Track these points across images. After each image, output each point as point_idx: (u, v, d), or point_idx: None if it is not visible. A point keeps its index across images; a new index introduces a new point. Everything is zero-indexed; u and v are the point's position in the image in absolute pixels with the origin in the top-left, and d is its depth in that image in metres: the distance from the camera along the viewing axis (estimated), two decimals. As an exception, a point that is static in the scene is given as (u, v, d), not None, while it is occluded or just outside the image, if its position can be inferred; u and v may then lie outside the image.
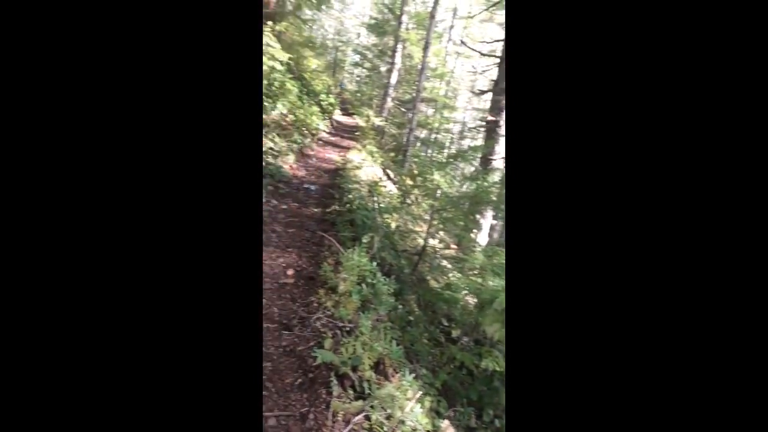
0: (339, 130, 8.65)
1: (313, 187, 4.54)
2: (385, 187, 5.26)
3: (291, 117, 5.83)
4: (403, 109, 12.91)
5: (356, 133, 8.56)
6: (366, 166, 6.08)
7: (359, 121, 10.90)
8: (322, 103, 8.52)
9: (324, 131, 7.60)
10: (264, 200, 3.75)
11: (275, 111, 5.66)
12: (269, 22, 6.96)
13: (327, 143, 7.23)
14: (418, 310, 3.56)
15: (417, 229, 5.03)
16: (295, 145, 5.44)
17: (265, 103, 5.52)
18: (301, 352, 2.02)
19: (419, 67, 11.18)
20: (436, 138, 13.35)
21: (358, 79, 22.86)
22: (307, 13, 13.09)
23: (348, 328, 2.27)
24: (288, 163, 4.99)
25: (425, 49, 9.57)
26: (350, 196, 3.93)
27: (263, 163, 4.30)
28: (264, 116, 5.43)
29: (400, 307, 3.06)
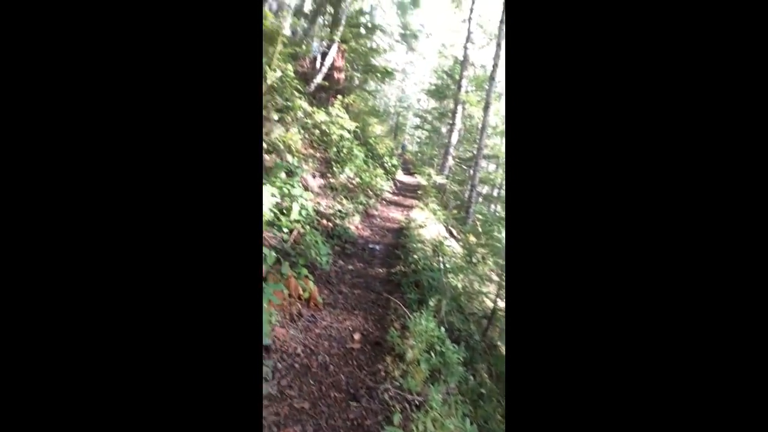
0: (402, 189, 8.87)
1: (378, 247, 4.59)
2: (449, 246, 5.16)
3: (357, 180, 6.13)
4: (464, 167, 13.02)
5: (418, 192, 8.71)
6: (429, 224, 6.08)
7: (421, 180, 11.15)
8: (385, 165, 8.92)
9: (387, 191, 7.84)
10: (331, 261, 3.85)
11: (343, 175, 6.00)
12: (339, 96, 7.65)
13: (391, 203, 7.41)
14: (490, 381, 3.26)
15: (484, 289, 4.78)
16: (360, 206, 5.65)
17: (335, 168, 5.90)
18: (370, 427, 1.91)
19: (479, 126, 11.39)
20: (498, 193, 13.14)
21: (418, 140, 23.81)
22: (372, 85, 14.27)
23: (417, 402, 2.13)
24: (354, 224, 5.15)
25: (486, 108, 9.79)
26: (415, 256, 3.90)
27: (331, 224, 4.49)
28: (333, 180, 5.78)
29: (471, 378, 2.83)
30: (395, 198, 7.91)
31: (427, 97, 23.15)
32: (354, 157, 6.35)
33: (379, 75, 9.32)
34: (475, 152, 13.30)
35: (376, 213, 6.21)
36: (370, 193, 6.66)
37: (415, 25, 21.97)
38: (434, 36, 25.24)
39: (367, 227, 5.41)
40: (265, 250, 2.70)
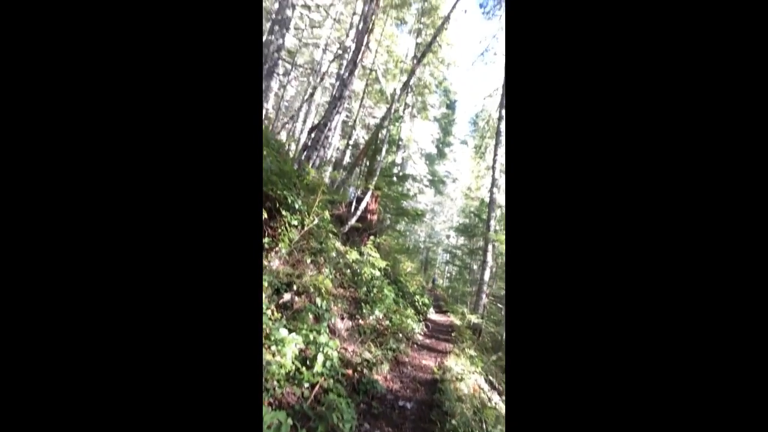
0: (434, 330, 8.31)
1: (409, 405, 4.00)
2: (493, 406, 4.44)
3: (387, 322, 5.81)
4: (498, 305, 12.38)
5: (453, 334, 8.10)
6: (466, 374, 5.41)
7: (454, 320, 10.54)
8: (416, 304, 8.59)
9: (419, 334, 7.33)
10: (356, 423, 3.32)
11: (372, 316, 5.73)
12: (372, 237, 7.91)
13: (422, 347, 6.84)
14: None
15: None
16: (390, 353, 5.19)
17: (364, 310, 5.67)
18: None
19: (511, 264, 11.24)
20: None
21: (449, 275, 23.59)
22: (402, 226, 14.99)
23: None
24: (382, 374, 4.65)
25: (516, 248, 9.77)
26: (453, 421, 3.31)
27: (358, 376, 4.05)
28: (362, 321, 5.49)
29: None
30: (427, 341, 7.34)
31: (456, 234, 23.84)
32: (384, 297, 6.16)
33: (408, 217, 9.82)
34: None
35: (407, 360, 5.67)
36: (401, 336, 6.22)
37: (441, 172, 24.21)
38: (460, 181, 27.44)
39: (397, 378, 4.86)
40: (280, 416, 2.34)
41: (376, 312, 5.55)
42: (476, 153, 23.44)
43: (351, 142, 13.66)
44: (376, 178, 8.74)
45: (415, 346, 6.67)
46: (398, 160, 15.83)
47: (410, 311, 7.31)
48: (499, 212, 13.03)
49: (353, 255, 6.51)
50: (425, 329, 7.74)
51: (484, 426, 3.37)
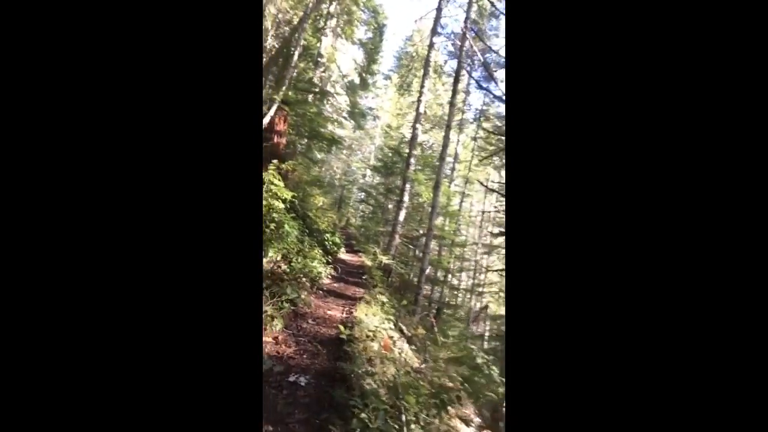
0: (344, 273, 7.33)
1: (303, 381, 2.91)
2: (409, 372, 3.59)
3: (285, 267, 4.54)
4: (410, 246, 11.96)
5: (364, 278, 7.21)
6: (379, 325, 4.53)
7: (365, 260, 9.73)
8: (326, 243, 7.43)
9: (326, 278, 6.24)
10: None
11: (265, 259, 4.39)
12: (274, 161, 6.28)
13: (329, 292, 5.80)
14: None
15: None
16: (286, 305, 3.99)
17: (255, 250, 4.28)
18: None
19: (428, 205, 10.60)
20: (446, 277, 12.00)
21: (362, 214, 22.93)
22: (317, 156, 13.34)
23: None
24: (272, 334, 3.46)
25: (435, 188, 9.02)
26: (362, 414, 2.29)
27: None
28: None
29: None
30: (336, 285, 6.33)
31: (373, 174, 22.89)
32: (285, 235, 4.82)
33: (325, 143, 8.27)
34: (422, 231, 12.37)
35: (308, 311, 4.55)
36: (303, 281, 5.05)
37: (363, 106, 22.35)
38: (381, 119, 25.93)
39: (293, 337, 3.73)
40: None
41: (270, 253, 4.23)
42: (400, 88, 22.02)
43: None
44: (284, 89, 6.90)
45: (321, 292, 5.59)
46: (316, 80, 13.64)
47: (317, 251, 6.12)
48: (419, 150, 12.11)
49: (249, 181, 4.94)
50: (333, 272, 6.68)
51: (403, 414, 2.43)
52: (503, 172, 14.27)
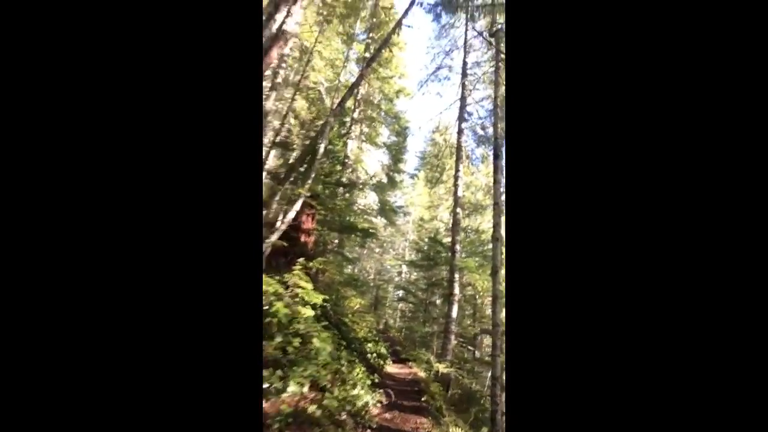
0: (396, 393, 5.56)
1: None
2: None
3: (314, 404, 3.03)
4: (469, 348, 9.93)
5: (423, 400, 5.39)
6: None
7: (418, 371, 7.83)
8: (368, 355, 5.84)
9: (375, 406, 4.55)
10: None
11: (288, 392, 2.95)
12: (301, 259, 5.20)
13: (381, 430, 4.08)
14: None
15: None
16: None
17: (273, 381, 2.90)
18: None
19: (482, 296, 8.94)
20: None
21: (401, 314, 20.89)
22: (348, 252, 12.37)
23: None
24: None
25: (494, 274, 7.54)
26: None
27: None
28: (265, 404, 2.73)
29: None
30: (388, 417, 4.59)
31: (409, 270, 21.52)
32: (315, 353, 3.44)
33: (359, 235, 7.29)
34: (479, 328, 10.40)
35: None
36: (344, 418, 3.47)
37: (392, 203, 22.20)
38: (411, 215, 25.60)
39: None
40: None
41: (292, 387, 2.82)
42: (429, 181, 21.91)
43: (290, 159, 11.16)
44: (310, 181, 6.20)
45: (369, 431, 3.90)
46: (344, 180, 13.49)
47: (359, 371, 4.57)
48: (463, 235, 10.90)
49: (272, 286, 3.83)
50: (384, 397, 4.98)
51: None
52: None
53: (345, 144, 12.71)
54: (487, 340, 10.57)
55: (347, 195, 8.98)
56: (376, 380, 4.89)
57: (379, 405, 4.70)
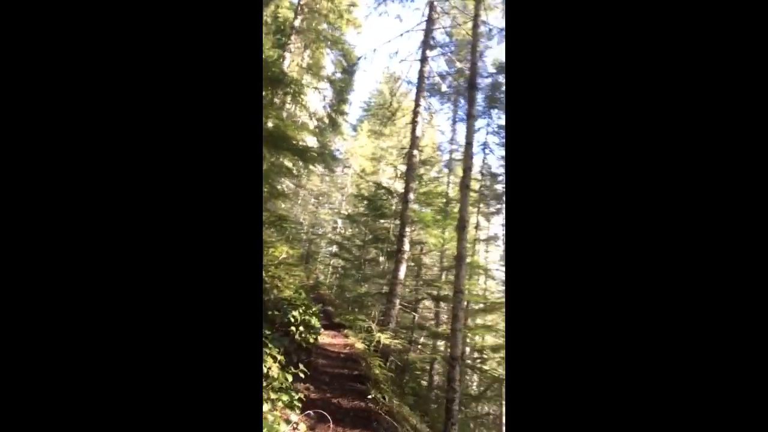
0: (329, 376, 3.76)
1: None
2: None
3: None
4: (413, 314, 8.53)
5: (370, 396, 3.65)
6: None
7: (355, 341, 6.17)
8: (295, 333, 3.88)
9: (298, 418, 2.65)
10: None
11: None
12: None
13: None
14: None
15: None
16: None
17: None
18: None
19: (436, 257, 7.44)
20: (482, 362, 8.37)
21: (333, 270, 19.19)
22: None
23: None
24: None
25: (460, 229, 5.97)
26: None
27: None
28: None
29: None
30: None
31: (345, 225, 19.69)
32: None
33: (296, 157, 5.10)
34: (428, 292, 9.01)
35: None
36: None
37: (332, 148, 19.71)
38: (352, 166, 23.33)
39: None
40: None
41: None
42: (374, 132, 19.79)
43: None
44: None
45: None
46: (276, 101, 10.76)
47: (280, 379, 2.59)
48: (418, 183, 9.13)
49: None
50: (312, 391, 3.10)
51: None
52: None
53: (281, 61, 9.87)
54: (437, 308, 9.25)
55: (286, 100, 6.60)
56: (299, 373, 2.99)
57: (305, 411, 2.84)
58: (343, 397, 3.38)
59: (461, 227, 5.83)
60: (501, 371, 7.54)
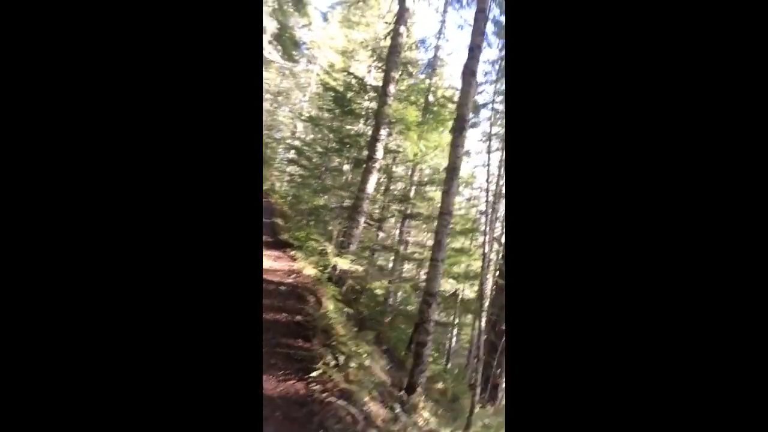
0: (268, 330, 2.33)
1: None
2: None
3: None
4: (380, 233, 7.24)
5: (312, 375, 2.31)
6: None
7: (306, 267, 4.81)
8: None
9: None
10: None
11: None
12: None
13: None
14: None
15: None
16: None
17: None
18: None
19: (412, 169, 5.85)
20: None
21: (289, 179, 17.18)
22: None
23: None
24: None
25: (457, 132, 4.36)
26: None
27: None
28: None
29: None
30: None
31: (307, 128, 17.25)
32: None
33: None
34: (402, 209, 7.63)
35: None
36: None
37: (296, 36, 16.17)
38: (317, 60, 19.80)
39: None
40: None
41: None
42: (347, 20, 16.56)
43: None
44: None
45: None
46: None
47: None
48: (402, 73, 7.06)
49: None
50: None
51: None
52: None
53: None
54: (402, 227, 8.00)
55: None
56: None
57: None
58: (272, 373, 2.02)
59: (459, 128, 4.22)
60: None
